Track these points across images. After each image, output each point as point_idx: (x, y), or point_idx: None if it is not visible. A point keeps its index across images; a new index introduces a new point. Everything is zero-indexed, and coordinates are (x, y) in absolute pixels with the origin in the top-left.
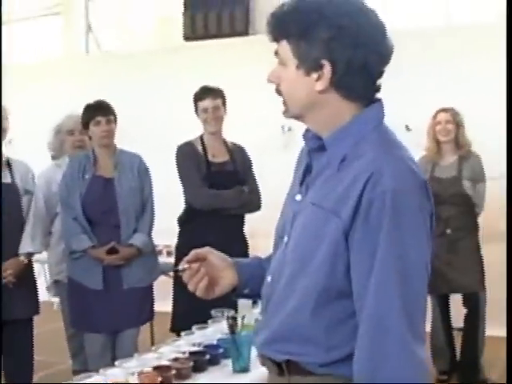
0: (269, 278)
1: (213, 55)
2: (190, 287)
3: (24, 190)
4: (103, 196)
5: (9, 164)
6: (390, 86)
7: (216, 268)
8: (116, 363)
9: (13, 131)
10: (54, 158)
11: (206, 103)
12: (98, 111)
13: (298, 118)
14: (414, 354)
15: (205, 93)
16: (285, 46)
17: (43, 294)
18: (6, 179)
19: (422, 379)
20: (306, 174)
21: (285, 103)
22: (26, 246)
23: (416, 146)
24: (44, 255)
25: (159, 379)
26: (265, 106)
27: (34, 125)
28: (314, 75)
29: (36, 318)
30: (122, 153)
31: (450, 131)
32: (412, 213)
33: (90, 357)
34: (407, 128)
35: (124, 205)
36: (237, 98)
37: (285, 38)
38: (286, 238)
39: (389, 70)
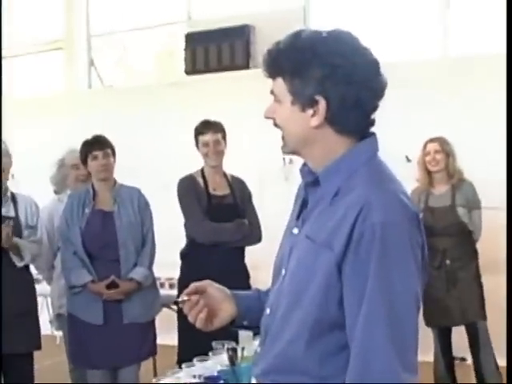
0: (267, 311)
1: (214, 89)
2: (190, 319)
3: (26, 224)
4: (102, 230)
5: (13, 198)
6: (390, 118)
7: (215, 300)
8: None
9: (15, 165)
10: (56, 192)
11: (207, 137)
12: (95, 146)
13: (295, 153)
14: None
15: (205, 127)
16: (280, 83)
17: (46, 328)
18: (9, 213)
19: None
20: (302, 208)
21: (283, 138)
22: None
23: (416, 177)
24: (47, 288)
25: None
26: (266, 139)
27: (36, 159)
28: (310, 111)
29: (38, 352)
30: (122, 187)
31: (440, 161)
32: (401, 245)
33: None
34: (407, 159)
35: (123, 239)
36: (238, 131)
37: (279, 75)
38: (283, 271)
39: (388, 102)
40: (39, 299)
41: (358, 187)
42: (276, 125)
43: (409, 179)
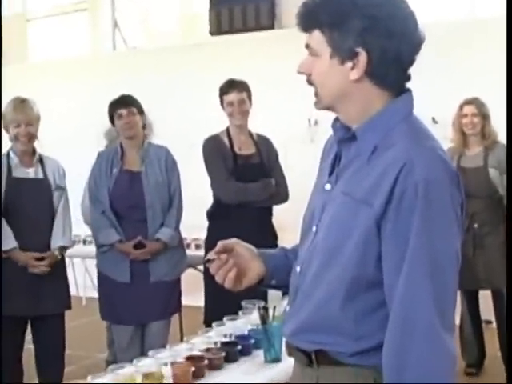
0: (297, 269)
1: (238, 50)
2: (218, 278)
3: (56, 185)
4: (130, 190)
5: (41, 160)
6: (417, 79)
7: (243, 259)
8: (149, 354)
9: (40, 128)
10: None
11: (232, 97)
12: (120, 104)
13: (329, 108)
14: (443, 343)
15: (230, 86)
16: (317, 36)
17: (72, 290)
18: (39, 175)
19: (450, 369)
20: (334, 164)
21: (316, 94)
22: (57, 240)
23: (443, 139)
24: (72, 249)
25: (192, 369)
26: (291, 100)
27: (61, 121)
28: (349, 64)
29: (65, 314)
30: (150, 146)
31: (476, 124)
32: (443, 203)
33: (118, 348)
34: (434, 120)
35: (151, 199)
36: (263, 92)
37: (317, 27)
38: (314, 228)
39: (416, 62)
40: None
41: (398, 144)
42: (310, 81)
43: (441, 146)
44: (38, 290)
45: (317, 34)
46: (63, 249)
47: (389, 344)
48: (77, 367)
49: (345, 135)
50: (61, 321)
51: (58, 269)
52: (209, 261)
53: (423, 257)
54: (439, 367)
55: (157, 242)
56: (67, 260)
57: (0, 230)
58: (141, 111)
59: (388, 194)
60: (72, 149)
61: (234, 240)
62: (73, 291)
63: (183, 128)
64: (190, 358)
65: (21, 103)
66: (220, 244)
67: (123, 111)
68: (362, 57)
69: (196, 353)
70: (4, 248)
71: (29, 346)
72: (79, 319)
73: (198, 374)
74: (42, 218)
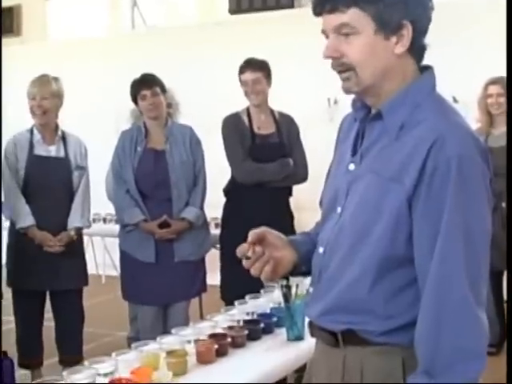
0: (320, 250)
1: (258, 29)
2: (255, 272)
3: (76, 165)
4: (155, 169)
5: (64, 138)
6: (438, 57)
7: (276, 248)
8: (172, 331)
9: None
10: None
11: (246, 76)
12: (143, 85)
13: (367, 89)
14: (476, 317)
15: (246, 65)
16: (355, 14)
17: (91, 268)
18: (60, 153)
19: (483, 343)
20: (357, 144)
21: (351, 76)
22: (74, 221)
23: (464, 118)
24: (92, 228)
25: (215, 347)
26: (311, 79)
27: (81, 100)
28: (394, 38)
29: (85, 292)
30: (174, 125)
31: (502, 104)
32: (476, 179)
33: (142, 328)
34: (454, 99)
35: (175, 178)
36: (282, 72)
37: (354, 5)
38: (339, 209)
39: (436, 40)
40: (84, 238)
41: (427, 120)
42: (341, 64)
43: (467, 122)
44: (56, 266)
45: (354, 11)
46: (79, 229)
47: (423, 320)
48: (97, 345)
49: (369, 113)
50: (79, 297)
51: (76, 246)
52: (247, 258)
53: (457, 233)
54: (474, 341)
55: (182, 221)
56: (86, 238)
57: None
58: (164, 90)
59: (419, 170)
60: (91, 127)
61: (263, 228)
62: (92, 269)
63: (202, 105)
64: (213, 336)
65: (38, 78)
66: (252, 234)
67: (147, 92)
68: (408, 29)
69: (219, 331)
70: (21, 225)
71: (50, 323)
72: (99, 297)
73: (221, 352)
74: (61, 197)
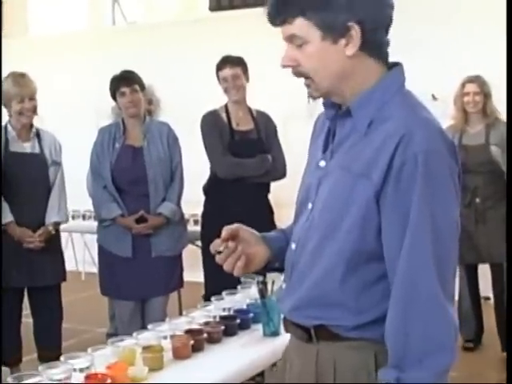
0: (293, 246)
1: (238, 26)
2: (226, 267)
3: (52, 160)
4: (132, 165)
5: (38, 134)
6: (417, 55)
7: (249, 244)
8: (149, 327)
9: (39, 103)
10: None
11: (225, 72)
12: (122, 82)
13: (328, 93)
14: (445, 310)
15: (224, 62)
16: (301, 23)
17: (71, 264)
18: (35, 149)
19: (453, 336)
20: (328, 141)
21: (310, 83)
22: (52, 215)
23: (442, 115)
24: (71, 224)
25: (191, 342)
26: (290, 76)
27: (60, 96)
28: (342, 41)
29: (64, 288)
30: (152, 122)
31: (479, 102)
32: (443, 174)
33: (120, 323)
34: (433, 97)
35: (153, 174)
36: (262, 68)
37: (299, 14)
38: (310, 205)
39: (415, 38)
40: (64, 235)
41: (395, 116)
42: (298, 72)
43: (436, 118)
44: (34, 263)
45: (300, 21)
46: (57, 224)
47: (392, 314)
48: (76, 341)
49: (338, 112)
50: (57, 293)
51: (53, 242)
52: (219, 252)
53: (425, 227)
54: (442, 334)
55: (159, 217)
56: (66, 235)
57: (0, 205)
58: (143, 87)
59: (387, 165)
60: (71, 123)
61: (237, 225)
62: (72, 266)
63: (181, 102)
64: (189, 332)
65: (22, 78)
66: (226, 230)
67: (126, 89)
68: (355, 30)
69: (195, 326)
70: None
71: (27, 320)
72: (78, 294)
73: (197, 348)
74: (38, 193)
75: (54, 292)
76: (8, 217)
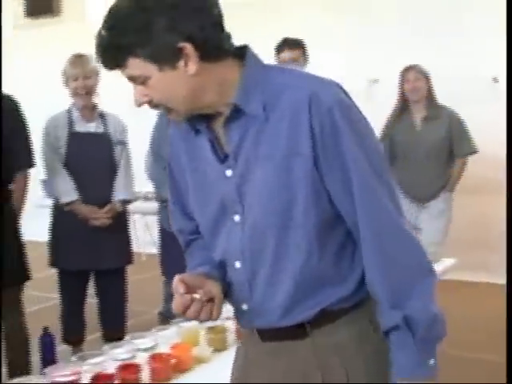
0: (237, 264)
1: (296, 8)
2: (205, 317)
3: (117, 140)
4: None
5: (102, 115)
6: (475, 40)
7: (199, 285)
8: None
9: (100, 85)
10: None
11: (285, 54)
12: None
13: (192, 112)
14: (411, 235)
15: (283, 44)
16: (134, 63)
17: (132, 245)
18: (99, 129)
19: (426, 256)
20: (216, 151)
21: (170, 110)
22: (119, 193)
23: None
24: (133, 206)
25: None
26: (348, 58)
27: (118, 80)
28: (181, 63)
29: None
30: None
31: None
32: (357, 116)
33: None
34: (495, 80)
35: None
36: (319, 50)
37: (127, 55)
38: (237, 217)
39: (472, 25)
40: None
41: (286, 89)
42: (156, 105)
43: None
44: (101, 245)
45: (132, 61)
46: (125, 202)
47: (370, 259)
48: (137, 321)
49: (227, 116)
50: (123, 275)
51: (120, 224)
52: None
53: (365, 166)
54: (421, 257)
55: None
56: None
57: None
58: None
59: (309, 132)
60: (129, 105)
61: (178, 276)
62: (133, 247)
63: None
64: None
65: (78, 58)
66: (179, 286)
67: None
68: (188, 48)
69: None
70: (66, 200)
71: (92, 300)
72: (140, 274)
73: None
74: (103, 172)
75: (120, 274)
76: (73, 195)
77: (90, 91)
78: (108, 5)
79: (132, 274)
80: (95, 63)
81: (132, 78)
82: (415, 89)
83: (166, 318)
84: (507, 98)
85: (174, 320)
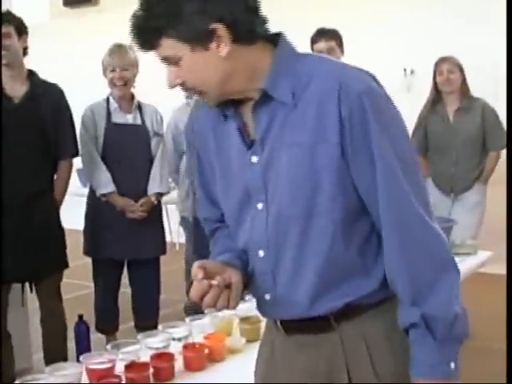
0: (260, 253)
1: None
2: (222, 305)
3: (154, 132)
4: None
5: (139, 107)
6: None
7: (220, 273)
8: (246, 298)
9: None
10: (187, 97)
11: (320, 45)
12: None
13: (224, 96)
14: (437, 231)
15: (319, 35)
16: (167, 43)
17: (166, 235)
18: (137, 121)
19: (449, 251)
20: (243, 137)
21: (202, 94)
22: (154, 186)
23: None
24: (167, 196)
25: None
26: (386, 49)
27: (157, 69)
28: (213, 45)
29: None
30: None
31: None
32: (388, 105)
33: None
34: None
35: None
36: (355, 41)
37: (161, 36)
38: (260, 205)
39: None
40: None
41: (316, 76)
42: (188, 88)
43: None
44: (136, 235)
45: (165, 41)
46: (160, 195)
47: (391, 252)
48: (172, 310)
49: (256, 101)
50: (157, 265)
51: (155, 214)
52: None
53: (390, 155)
54: (443, 253)
55: None
56: (163, 207)
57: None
58: None
59: (337, 119)
60: (166, 96)
61: (199, 261)
62: (167, 237)
63: None
64: None
65: (117, 48)
66: (198, 271)
67: None
68: (220, 29)
69: None
70: (103, 191)
71: (124, 289)
72: (173, 264)
73: None
74: (140, 164)
75: (154, 264)
76: (110, 187)
77: (127, 82)
78: None
79: (166, 263)
80: (135, 54)
81: (166, 59)
82: (449, 81)
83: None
84: (507, 96)
85: (208, 310)
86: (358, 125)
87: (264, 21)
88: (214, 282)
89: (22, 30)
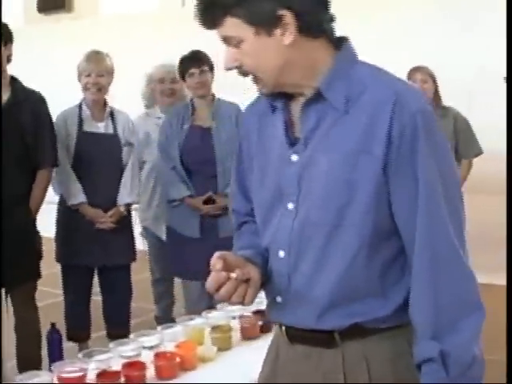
0: (281, 253)
1: None
2: (237, 299)
3: (125, 140)
4: (201, 146)
5: (112, 115)
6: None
7: (240, 266)
8: (217, 307)
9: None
10: (146, 106)
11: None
12: (192, 63)
13: (277, 87)
14: (469, 269)
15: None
16: (231, 23)
17: (139, 244)
18: (109, 130)
19: (478, 292)
20: (288, 133)
21: (257, 80)
22: (124, 196)
23: None
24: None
25: (260, 323)
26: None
27: (131, 74)
28: (277, 31)
29: (132, 267)
30: (220, 102)
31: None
32: (438, 129)
33: (187, 302)
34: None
35: (221, 155)
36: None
37: (226, 14)
38: (290, 205)
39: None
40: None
41: (372, 86)
42: (244, 72)
43: None
44: (105, 242)
45: (229, 20)
46: (129, 205)
47: (419, 283)
48: (144, 319)
49: (307, 99)
50: (127, 272)
51: (125, 221)
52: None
53: (436, 183)
54: (471, 293)
55: (226, 198)
56: (134, 214)
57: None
58: (212, 68)
59: (387, 134)
60: (140, 102)
61: (220, 252)
62: (139, 245)
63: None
64: (257, 312)
65: (94, 54)
66: (217, 261)
67: (195, 70)
68: (288, 17)
69: (264, 307)
70: (73, 202)
71: (95, 297)
72: (143, 273)
73: (265, 329)
74: (111, 173)
75: (125, 271)
76: (81, 197)
77: (101, 88)
78: (120, 2)
79: (139, 272)
80: (111, 61)
81: (226, 39)
82: (422, 90)
83: (163, 320)
84: (507, 96)
85: (180, 319)
86: (408, 143)
87: (331, 18)
88: (233, 275)
89: (7, 37)
